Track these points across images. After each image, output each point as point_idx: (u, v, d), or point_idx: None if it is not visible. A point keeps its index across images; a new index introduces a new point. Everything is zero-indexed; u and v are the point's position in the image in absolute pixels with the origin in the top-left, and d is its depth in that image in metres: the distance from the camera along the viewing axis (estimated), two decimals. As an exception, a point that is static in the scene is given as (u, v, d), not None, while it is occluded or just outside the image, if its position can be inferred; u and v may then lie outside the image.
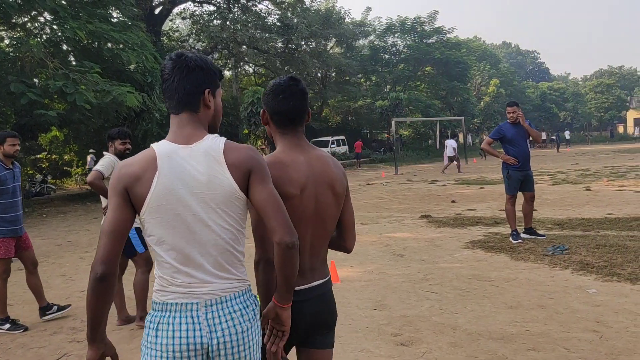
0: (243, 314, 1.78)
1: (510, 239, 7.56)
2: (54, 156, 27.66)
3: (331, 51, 41.59)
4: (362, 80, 46.42)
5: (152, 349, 1.75)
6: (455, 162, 24.04)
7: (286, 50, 34.20)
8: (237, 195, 1.76)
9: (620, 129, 51.87)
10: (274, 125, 2.16)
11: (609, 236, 7.47)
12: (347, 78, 41.93)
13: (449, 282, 5.76)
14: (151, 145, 1.80)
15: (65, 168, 28.11)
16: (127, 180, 1.73)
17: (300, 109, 2.11)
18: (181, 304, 1.74)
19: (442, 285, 5.66)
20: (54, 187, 21.95)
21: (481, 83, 55.19)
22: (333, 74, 42.54)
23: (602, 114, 62.93)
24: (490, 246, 7.43)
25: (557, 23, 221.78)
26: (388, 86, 46.86)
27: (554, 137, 42.36)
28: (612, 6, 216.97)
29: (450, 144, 24.22)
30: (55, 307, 5.27)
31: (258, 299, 1.96)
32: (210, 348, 1.72)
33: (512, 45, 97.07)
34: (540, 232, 7.83)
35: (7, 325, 4.94)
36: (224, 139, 1.82)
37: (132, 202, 1.75)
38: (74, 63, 16.86)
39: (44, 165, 26.91)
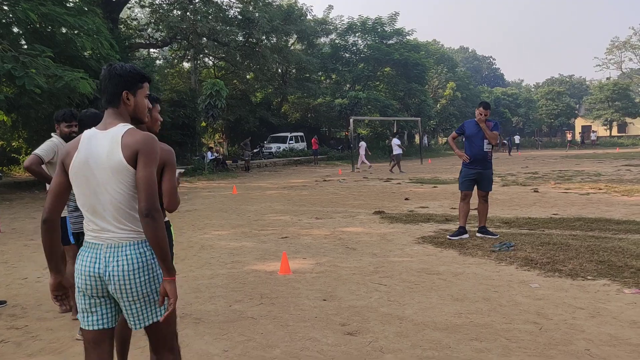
0: (133, 258, 2.32)
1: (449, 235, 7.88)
2: (1, 142, 26.63)
3: (292, 47, 41.49)
4: (322, 77, 46.52)
5: (76, 271, 2.41)
6: (392, 162, 24.58)
7: (247, 44, 33.87)
8: (125, 166, 2.30)
9: (569, 136, 53.74)
10: None
11: (553, 235, 7.74)
12: (308, 75, 41.93)
13: (399, 275, 5.85)
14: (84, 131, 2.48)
15: (13, 155, 27.09)
16: (63, 155, 2.45)
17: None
18: (92, 243, 2.39)
19: (392, 277, 5.75)
20: (0, 174, 21.11)
21: (438, 86, 56.16)
22: (293, 71, 42.45)
23: (552, 120, 65.05)
24: (440, 242, 7.58)
25: (512, 31, 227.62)
26: (348, 85, 47.11)
27: (505, 141, 43.47)
28: (566, 18, 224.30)
29: (395, 142, 24.69)
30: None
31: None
32: (103, 277, 2.33)
33: (470, 50, 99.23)
34: (490, 230, 8.00)
35: None
36: (131, 127, 2.40)
37: (65, 170, 2.42)
38: (25, 46, 16.26)
39: (-11, 152, 25.88)
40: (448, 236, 7.90)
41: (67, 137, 4.81)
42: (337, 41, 46.05)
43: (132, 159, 2.30)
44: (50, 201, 2.41)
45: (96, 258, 2.34)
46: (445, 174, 22.04)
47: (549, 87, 71.89)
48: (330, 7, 56.97)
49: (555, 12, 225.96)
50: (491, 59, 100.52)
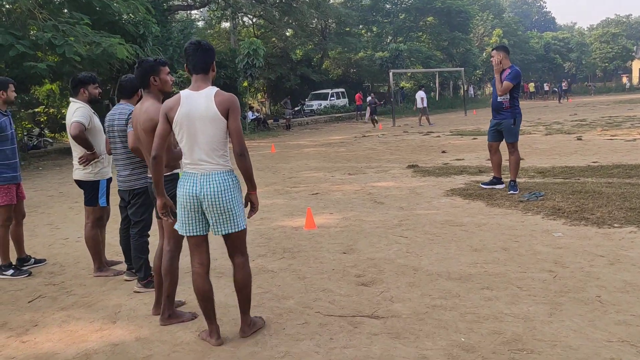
0: (221, 182, 3.18)
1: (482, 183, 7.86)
2: (51, 110, 27.59)
3: (331, 1, 40.72)
4: (362, 31, 45.64)
5: (179, 192, 3.26)
6: (422, 115, 24.32)
7: (284, 1, 33.52)
8: (219, 117, 3.13)
9: (624, 80, 50.99)
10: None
11: (587, 183, 7.55)
12: (348, 29, 41.20)
13: (421, 227, 5.88)
14: (180, 91, 3.24)
15: (63, 122, 28.08)
16: (167, 109, 3.22)
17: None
18: (190, 173, 3.22)
19: (414, 230, 5.78)
20: (50, 140, 22.03)
21: (484, 33, 54.16)
22: (333, 25, 41.79)
23: (607, 64, 61.83)
24: (469, 194, 7.52)
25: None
26: (389, 37, 46.08)
27: (556, 89, 41.79)
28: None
29: (420, 95, 24.32)
30: (32, 260, 5.41)
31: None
32: (199, 196, 3.17)
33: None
34: (515, 184, 7.37)
35: (11, 271, 5.07)
36: (216, 88, 3.20)
37: (169, 121, 3.22)
38: (68, 12, 16.58)
39: (41, 120, 26.89)
40: (481, 184, 7.84)
41: (94, 99, 4.97)
42: (376, -8, 44.92)
43: (225, 113, 3.13)
44: (158, 142, 3.25)
45: (194, 182, 3.18)
46: (487, 125, 21.48)
47: (603, 29, 68.04)
48: (370, -43, 55.30)
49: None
50: (542, 2, 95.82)
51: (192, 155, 3.19)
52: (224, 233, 3.25)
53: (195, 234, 3.28)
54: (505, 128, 7.47)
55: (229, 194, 3.20)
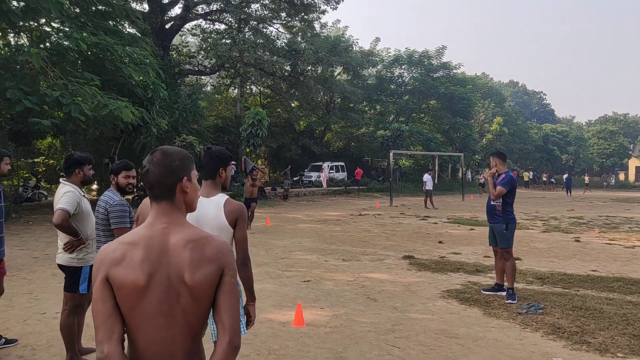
0: None
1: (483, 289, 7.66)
2: (51, 161, 27.60)
3: (337, 77, 41.79)
4: (366, 108, 46.59)
5: None
6: (426, 197, 24.54)
7: (292, 74, 34.37)
8: (227, 227, 3.18)
9: (622, 177, 51.70)
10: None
11: (587, 297, 7.32)
12: (352, 105, 42.06)
13: (415, 336, 5.61)
14: None
15: (61, 174, 27.98)
16: None
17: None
18: None
19: (408, 339, 5.51)
20: (45, 193, 21.83)
21: (484, 120, 55.36)
22: (338, 100, 42.71)
23: (604, 159, 62.93)
24: (465, 297, 7.28)
25: (565, 66, 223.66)
26: (392, 116, 47.01)
27: (553, 180, 42.07)
28: (621, 54, 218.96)
29: (426, 178, 24.77)
30: (3, 340, 5.11)
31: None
32: None
33: (519, 85, 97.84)
34: (513, 293, 7.13)
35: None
36: (226, 197, 3.24)
37: None
38: (78, 72, 16.85)
39: (40, 170, 26.84)
40: (482, 290, 7.61)
41: (87, 180, 4.84)
42: (382, 72, 46.24)
43: (233, 223, 3.19)
44: None
45: None
46: (485, 214, 21.45)
47: (601, 125, 69.79)
48: (377, 39, 57.57)
49: (611, 49, 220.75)
50: (542, 94, 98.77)
51: None
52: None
53: None
54: (497, 233, 7.38)
55: None
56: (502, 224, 7.36)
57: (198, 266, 1.78)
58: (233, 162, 29.28)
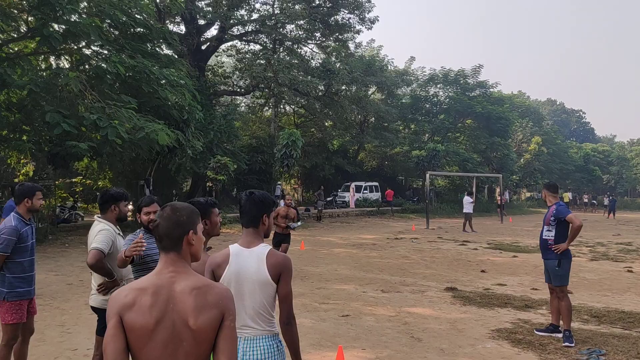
0: (265, 347, 2.85)
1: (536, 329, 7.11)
2: (88, 181, 27.99)
3: (372, 97, 41.49)
4: (401, 127, 46.06)
5: None
6: (465, 220, 23.83)
7: (326, 94, 34.23)
8: (270, 282, 2.87)
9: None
10: None
11: (652, 341, 6.72)
12: (386, 124, 41.59)
13: (467, 386, 5.16)
14: (229, 245, 2.98)
15: (98, 194, 28.36)
16: (214, 266, 2.93)
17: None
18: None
19: (459, 389, 5.07)
20: (82, 214, 22.06)
21: (522, 139, 54.09)
22: (372, 119, 42.34)
23: (649, 180, 60.77)
24: (518, 339, 6.77)
25: (604, 84, 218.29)
26: (427, 135, 46.34)
27: (595, 202, 40.59)
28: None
29: (466, 200, 24.09)
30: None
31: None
32: None
33: (557, 103, 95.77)
34: (569, 334, 6.61)
35: None
36: (269, 247, 2.94)
37: (215, 278, 2.90)
38: (115, 94, 17.01)
39: (77, 190, 27.22)
40: (535, 330, 7.07)
41: (123, 217, 4.61)
42: (417, 91, 45.74)
43: (276, 277, 2.88)
44: None
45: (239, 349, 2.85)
46: (527, 237, 20.70)
47: (644, 144, 67.50)
48: (412, 59, 56.85)
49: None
50: (581, 113, 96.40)
51: (238, 317, 2.87)
52: None
53: None
54: (550, 269, 6.90)
55: (274, 358, 2.91)
56: (554, 260, 6.88)
57: (201, 311, 1.94)
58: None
